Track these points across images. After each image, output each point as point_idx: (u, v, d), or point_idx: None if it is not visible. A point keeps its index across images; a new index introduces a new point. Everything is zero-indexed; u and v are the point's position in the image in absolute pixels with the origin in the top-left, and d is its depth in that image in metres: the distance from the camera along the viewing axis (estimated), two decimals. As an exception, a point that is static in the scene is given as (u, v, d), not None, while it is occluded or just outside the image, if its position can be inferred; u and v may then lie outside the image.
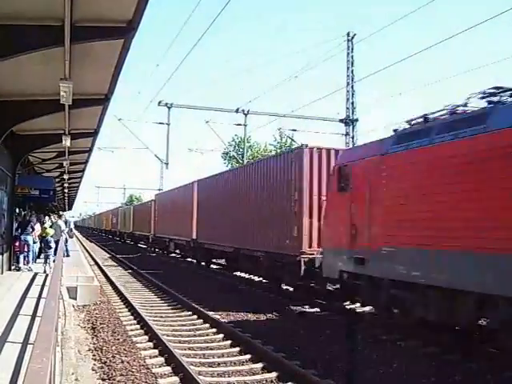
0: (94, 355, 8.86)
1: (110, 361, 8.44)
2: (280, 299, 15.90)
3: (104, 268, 24.76)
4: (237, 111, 31.35)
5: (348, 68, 32.36)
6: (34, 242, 19.25)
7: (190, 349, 9.85)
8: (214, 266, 27.35)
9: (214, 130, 32.95)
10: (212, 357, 9.33)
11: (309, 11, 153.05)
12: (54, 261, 16.57)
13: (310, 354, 9.21)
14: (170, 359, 8.74)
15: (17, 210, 21.99)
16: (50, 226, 21.05)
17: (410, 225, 9.88)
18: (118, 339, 10.00)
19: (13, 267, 17.73)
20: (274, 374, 8.12)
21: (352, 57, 32.25)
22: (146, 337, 10.61)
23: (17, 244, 18.20)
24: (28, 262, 18.31)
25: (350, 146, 29.52)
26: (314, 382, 7.44)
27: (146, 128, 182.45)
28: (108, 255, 36.28)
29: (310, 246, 14.78)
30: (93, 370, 8.00)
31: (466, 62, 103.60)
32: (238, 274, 22.99)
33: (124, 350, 9.18)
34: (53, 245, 18.61)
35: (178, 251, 34.58)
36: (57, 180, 31.78)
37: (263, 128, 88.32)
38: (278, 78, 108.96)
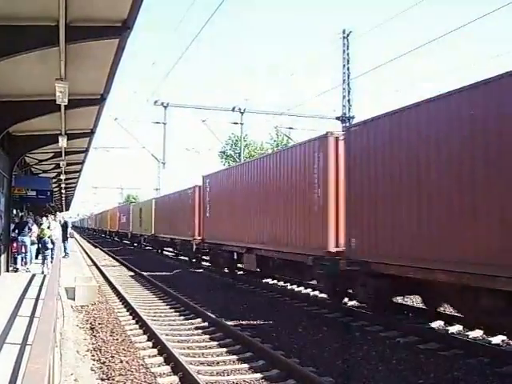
0: (92, 355, 8.85)
1: (109, 361, 8.44)
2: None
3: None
4: (233, 110, 31.35)
5: (344, 65, 32.38)
6: (33, 244, 19.24)
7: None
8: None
9: (210, 129, 32.94)
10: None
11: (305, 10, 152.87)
12: (52, 261, 16.58)
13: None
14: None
15: (14, 211, 21.96)
16: (48, 227, 20.97)
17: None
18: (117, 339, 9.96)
19: (10, 268, 17.70)
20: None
21: (348, 54, 32.29)
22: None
23: (14, 245, 18.17)
24: (26, 263, 18.28)
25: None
26: (313, 380, 7.44)
27: (142, 128, 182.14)
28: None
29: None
30: (92, 370, 7.98)
31: (462, 59, 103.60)
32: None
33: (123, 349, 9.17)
34: (50, 245, 18.60)
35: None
36: (54, 180, 31.75)
37: (260, 126, 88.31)
38: (274, 76, 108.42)
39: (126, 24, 9.26)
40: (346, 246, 12.43)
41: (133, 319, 12.43)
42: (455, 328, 10.76)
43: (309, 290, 16.86)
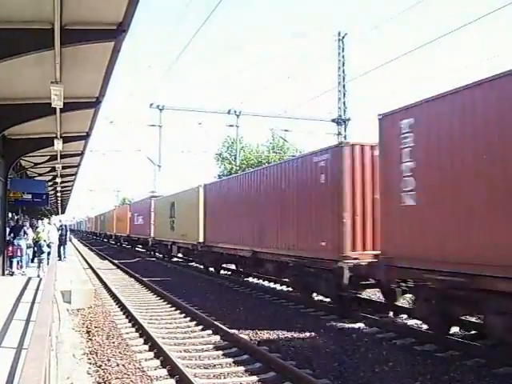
0: (89, 359, 8.83)
1: (106, 364, 8.42)
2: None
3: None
4: (229, 112, 31.36)
5: (339, 68, 32.41)
6: (29, 247, 19.18)
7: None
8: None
9: (206, 131, 32.94)
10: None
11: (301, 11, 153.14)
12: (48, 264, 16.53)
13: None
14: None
15: (9, 215, 21.89)
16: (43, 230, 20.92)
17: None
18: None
19: (6, 272, 17.63)
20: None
21: (343, 56, 32.30)
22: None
23: (10, 249, 18.10)
24: (21, 267, 18.22)
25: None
26: (311, 382, 7.44)
27: (138, 130, 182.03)
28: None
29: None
30: (88, 373, 7.97)
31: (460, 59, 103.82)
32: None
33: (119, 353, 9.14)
34: (46, 249, 18.56)
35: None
36: (49, 184, 31.71)
37: (256, 129, 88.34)
38: (270, 78, 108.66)
39: (122, 27, 9.25)
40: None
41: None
42: (451, 329, 10.74)
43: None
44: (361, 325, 11.73)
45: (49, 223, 25.68)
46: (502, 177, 8.07)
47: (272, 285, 19.38)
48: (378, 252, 11.42)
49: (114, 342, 9.99)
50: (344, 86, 32.28)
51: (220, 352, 9.57)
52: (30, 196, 21.15)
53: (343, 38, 32.23)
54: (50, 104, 11.60)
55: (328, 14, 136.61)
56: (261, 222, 17.70)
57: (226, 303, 14.78)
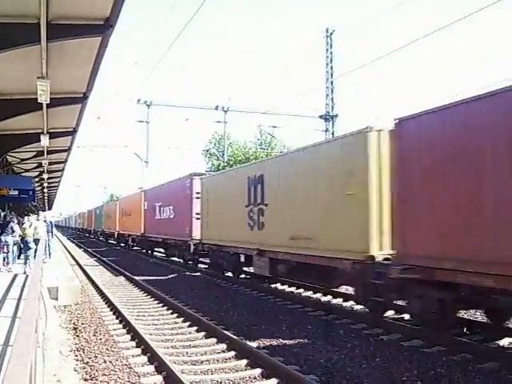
0: (76, 355, 8.79)
1: (93, 361, 8.39)
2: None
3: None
4: (216, 108, 31.32)
5: (327, 64, 32.45)
6: (15, 244, 19.06)
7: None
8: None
9: (193, 127, 32.90)
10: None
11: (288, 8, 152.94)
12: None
13: None
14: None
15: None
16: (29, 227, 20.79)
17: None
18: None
19: (-8, 269, 17.52)
20: None
21: (331, 53, 32.33)
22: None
23: (-4, 245, 17.97)
24: (8, 264, 18.10)
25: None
26: (298, 378, 7.44)
27: (125, 126, 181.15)
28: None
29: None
30: (75, 370, 7.93)
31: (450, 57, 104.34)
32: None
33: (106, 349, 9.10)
34: (32, 245, 18.44)
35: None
36: (36, 180, 31.52)
37: (244, 125, 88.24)
38: (258, 75, 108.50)
39: (109, 22, 9.23)
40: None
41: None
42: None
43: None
44: (348, 320, 11.78)
45: (37, 219, 25.52)
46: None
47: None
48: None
49: (101, 339, 9.96)
50: (332, 83, 32.34)
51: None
52: (16, 192, 21.03)
53: (331, 34, 32.27)
54: (37, 99, 11.54)
55: (317, 10, 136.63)
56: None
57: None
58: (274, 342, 9.92)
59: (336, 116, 32.52)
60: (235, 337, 9.95)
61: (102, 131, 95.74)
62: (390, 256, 10.77)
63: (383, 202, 11.21)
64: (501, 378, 7.56)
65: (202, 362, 8.76)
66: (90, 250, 37.64)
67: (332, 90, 32.65)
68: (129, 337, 10.47)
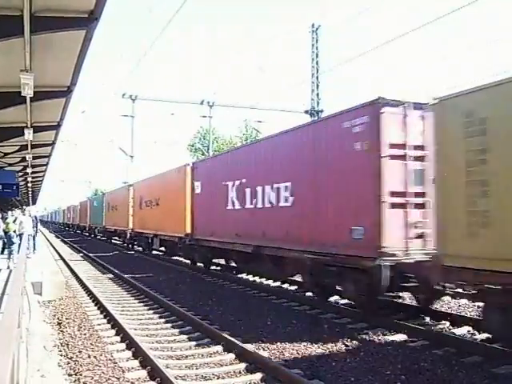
0: (60, 351, 8.75)
1: (77, 356, 8.35)
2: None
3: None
4: (202, 103, 31.25)
5: (313, 59, 32.49)
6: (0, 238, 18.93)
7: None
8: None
9: (179, 122, 32.81)
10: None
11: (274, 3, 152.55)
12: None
13: None
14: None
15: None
16: (13, 221, 20.64)
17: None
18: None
19: (-25, 264, 17.37)
20: None
21: (317, 48, 32.39)
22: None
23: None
24: (-9, 258, 17.98)
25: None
26: (283, 373, 7.46)
27: (110, 121, 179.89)
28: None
29: None
30: (59, 365, 7.90)
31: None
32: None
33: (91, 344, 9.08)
34: (16, 240, 18.31)
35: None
36: (20, 174, 31.24)
37: (229, 119, 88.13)
38: (243, 69, 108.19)
39: (94, 15, 9.14)
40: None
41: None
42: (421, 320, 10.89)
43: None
44: (332, 315, 11.82)
45: (23, 214, 25.32)
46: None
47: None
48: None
49: (85, 334, 9.92)
50: (317, 78, 32.39)
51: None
52: (-1, 186, 20.82)
53: (317, 29, 32.31)
54: (20, 93, 11.43)
55: (303, 5, 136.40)
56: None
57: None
58: (259, 336, 9.93)
59: (321, 111, 32.59)
60: (220, 331, 9.97)
61: (87, 125, 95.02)
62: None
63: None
64: (484, 372, 7.63)
65: (186, 356, 8.76)
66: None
67: (317, 86, 32.72)
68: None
